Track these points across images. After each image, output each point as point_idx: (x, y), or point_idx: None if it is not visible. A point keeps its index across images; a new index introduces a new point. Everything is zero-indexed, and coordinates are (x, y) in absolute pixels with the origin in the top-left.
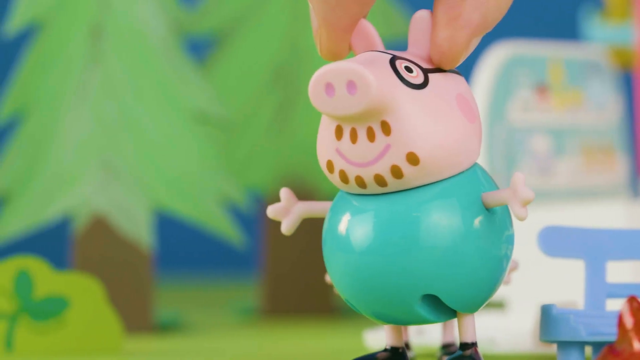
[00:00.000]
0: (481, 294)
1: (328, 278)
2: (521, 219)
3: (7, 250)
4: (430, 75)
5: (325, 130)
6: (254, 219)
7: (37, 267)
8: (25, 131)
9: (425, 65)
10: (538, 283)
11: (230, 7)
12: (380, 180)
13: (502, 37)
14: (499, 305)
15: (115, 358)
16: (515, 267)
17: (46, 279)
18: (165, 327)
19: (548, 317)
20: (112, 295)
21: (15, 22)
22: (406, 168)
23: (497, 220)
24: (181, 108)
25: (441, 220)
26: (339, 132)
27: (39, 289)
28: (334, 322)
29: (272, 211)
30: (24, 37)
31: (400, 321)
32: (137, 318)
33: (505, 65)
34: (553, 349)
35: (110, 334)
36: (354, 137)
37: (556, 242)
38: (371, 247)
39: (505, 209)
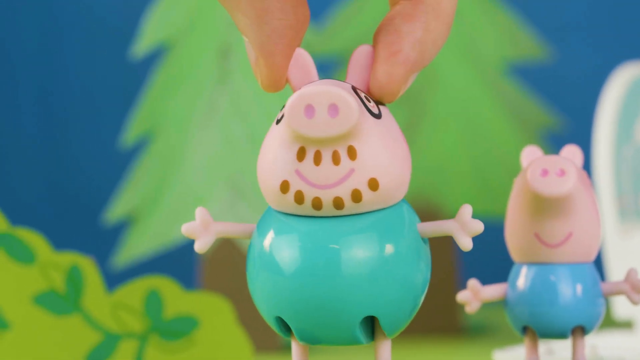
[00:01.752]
0: (400, 320)
1: (459, 297)
2: (467, 249)
3: (137, 270)
4: (381, 107)
5: (282, 151)
6: None
7: (167, 286)
8: (154, 152)
9: (372, 98)
10: None
11: (355, 29)
12: (338, 203)
13: (629, 58)
14: (628, 325)
15: None
16: None
17: (176, 298)
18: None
19: None
20: (241, 315)
21: (144, 44)
22: (366, 193)
23: (421, 248)
24: None
25: (362, 252)
26: (301, 154)
27: (168, 308)
28: (461, 342)
29: (186, 229)
30: (153, 59)
31: (325, 341)
32: (266, 338)
33: (633, 86)
34: None
35: (239, 354)
36: (317, 159)
37: None
38: (299, 270)
39: (424, 239)
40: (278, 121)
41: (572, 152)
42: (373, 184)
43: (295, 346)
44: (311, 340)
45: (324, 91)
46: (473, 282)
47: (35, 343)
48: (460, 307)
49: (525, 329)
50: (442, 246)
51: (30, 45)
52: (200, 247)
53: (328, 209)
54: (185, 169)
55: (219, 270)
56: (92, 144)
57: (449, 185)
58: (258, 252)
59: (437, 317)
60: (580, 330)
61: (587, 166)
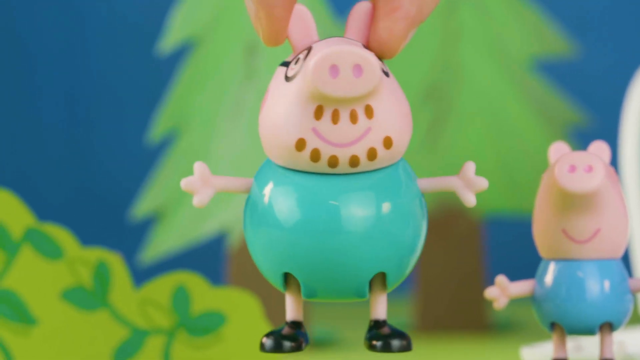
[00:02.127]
0: (402, 274)
1: (487, 293)
2: (472, 205)
3: (164, 266)
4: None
5: (297, 110)
6: None
7: (194, 282)
8: (180, 148)
9: None
10: None
11: None
12: (354, 161)
13: None
14: None
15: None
16: None
17: (203, 294)
18: (320, 344)
19: None
20: (268, 311)
21: (170, 40)
22: (381, 151)
23: (418, 205)
24: None
25: (371, 207)
26: (319, 112)
27: (196, 304)
28: (488, 338)
29: (185, 184)
30: (179, 55)
31: (330, 296)
32: None
33: None
34: None
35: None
36: (335, 118)
37: None
38: (308, 224)
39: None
40: (287, 78)
41: (599, 148)
42: (387, 142)
43: (289, 300)
44: (315, 295)
45: (348, 51)
46: (501, 279)
47: (62, 338)
48: (487, 303)
49: (553, 326)
50: (469, 243)
51: (56, 42)
52: (199, 201)
53: (344, 166)
54: (211, 165)
55: (246, 266)
56: (119, 140)
57: None
58: (259, 206)
59: (465, 314)
60: (608, 327)
61: (614, 162)
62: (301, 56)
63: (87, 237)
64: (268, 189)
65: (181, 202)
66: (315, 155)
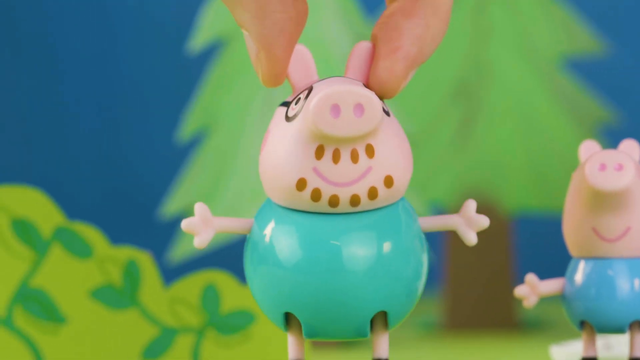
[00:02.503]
0: (404, 313)
1: (517, 291)
2: (473, 244)
3: (193, 264)
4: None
5: (299, 149)
6: (435, 234)
7: (223, 281)
8: (209, 147)
9: None
10: None
11: None
12: (355, 200)
13: None
14: None
15: None
16: None
17: (233, 293)
18: (350, 342)
19: None
20: None
21: (200, 39)
22: (382, 190)
23: (419, 245)
24: None
25: (371, 247)
26: (319, 152)
27: (225, 303)
28: (517, 336)
29: (186, 225)
30: (209, 54)
31: (332, 335)
32: None
33: None
34: None
35: None
36: (336, 157)
37: None
38: (308, 264)
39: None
40: (288, 118)
41: (630, 147)
42: (388, 181)
43: (291, 339)
44: (317, 335)
45: (349, 91)
46: (531, 277)
47: (92, 337)
48: (516, 301)
49: (582, 324)
50: (498, 241)
51: (86, 44)
52: (199, 242)
53: (345, 206)
54: (241, 164)
55: None
56: (149, 139)
57: (505, 180)
58: (260, 245)
59: (493, 312)
60: (638, 325)
61: None
62: (302, 96)
63: (116, 236)
64: (269, 229)
65: (210, 200)
66: (316, 195)
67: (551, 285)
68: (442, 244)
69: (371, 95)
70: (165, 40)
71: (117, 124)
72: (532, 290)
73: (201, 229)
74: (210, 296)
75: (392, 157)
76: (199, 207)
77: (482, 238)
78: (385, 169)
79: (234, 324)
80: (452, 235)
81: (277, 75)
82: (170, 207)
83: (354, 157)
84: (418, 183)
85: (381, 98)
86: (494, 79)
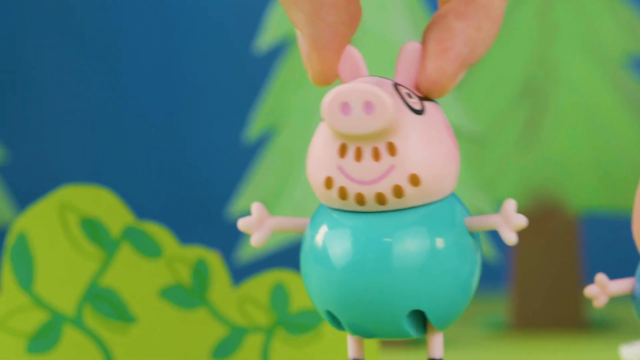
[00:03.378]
0: (449, 313)
1: (587, 291)
2: (512, 243)
3: (262, 263)
4: (425, 103)
5: (325, 148)
6: None
7: (292, 280)
8: (277, 146)
9: (417, 94)
10: None
11: None
12: (380, 199)
13: None
14: None
15: None
16: None
17: (302, 292)
18: (419, 341)
19: None
20: None
21: (268, 37)
22: (407, 188)
23: (471, 242)
24: None
25: (413, 245)
26: (342, 150)
27: (294, 302)
28: (586, 336)
29: (243, 224)
30: (277, 53)
31: (375, 334)
32: None
33: None
34: None
35: (366, 348)
36: (358, 155)
37: None
38: (350, 264)
39: (478, 233)
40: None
41: None
42: (414, 180)
43: (350, 338)
44: (361, 333)
45: (359, 88)
46: (601, 277)
47: (161, 337)
48: (585, 301)
49: None
50: (565, 240)
51: (151, 43)
52: (256, 241)
53: (371, 204)
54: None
55: None
56: (216, 138)
57: (571, 179)
58: (310, 246)
59: (562, 311)
60: None
61: None
62: None
63: (185, 236)
64: (320, 228)
65: (279, 199)
66: (342, 193)
67: (621, 285)
68: None
69: (380, 93)
70: (235, 38)
71: (185, 124)
72: (602, 290)
73: (257, 228)
74: (279, 295)
75: (418, 155)
76: (256, 207)
77: (548, 237)
78: (409, 167)
79: (304, 324)
80: (520, 234)
81: (327, 76)
82: (238, 206)
83: (376, 155)
84: (484, 182)
85: (429, 97)
86: (560, 78)
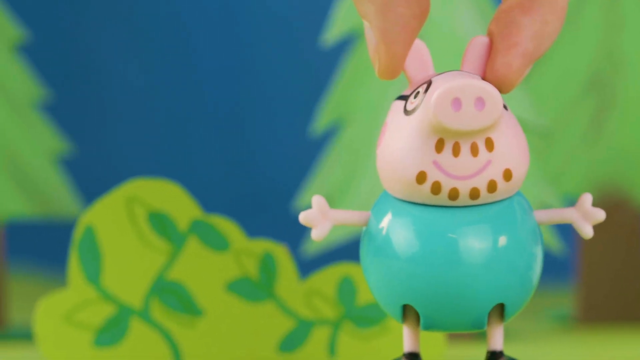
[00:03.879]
0: (521, 305)
1: None
2: (589, 237)
3: (329, 257)
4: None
5: (418, 143)
6: (569, 226)
7: (360, 273)
8: (344, 139)
9: None
10: None
11: None
12: (474, 194)
13: None
14: None
15: None
16: None
17: None
18: (480, 334)
19: None
20: None
21: (335, 31)
22: (501, 183)
23: (536, 237)
24: None
25: (489, 240)
26: (440, 145)
27: (361, 295)
28: None
29: (304, 217)
30: (344, 46)
31: (450, 327)
32: None
33: None
34: None
35: (433, 341)
36: (456, 151)
37: None
38: (429, 257)
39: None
40: (407, 112)
41: None
42: (507, 175)
43: (406, 332)
44: (434, 326)
45: (470, 85)
46: None
47: (228, 330)
48: None
49: None
50: (632, 233)
51: (218, 33)
52: (317, 235)
53: (464, 199)
54: (375, 158)
55: None
56: (283, 132)
57: (638, 172)
58: (378, 238)
59: (629, 305)
60: None
61: None
62: (420, 90)
63: (252, 229)
64: (386, 221)
65: (345, 193)
66: (436, 188)
67: None
68: (575, 235)
69: (492, 89)
70: (301, 31)
71: (251, 119)
72: None
73: (319, 221)
74: (346, 289)
75: (511, 151)
76: (317, 200)
77: (615, 229)
78: (504, 162)
79: (371, 317)
80: None
81: (394, 69)
82: (304, 200)
83: (474, 151)
84: (551, 175)
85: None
86: (627, 71)
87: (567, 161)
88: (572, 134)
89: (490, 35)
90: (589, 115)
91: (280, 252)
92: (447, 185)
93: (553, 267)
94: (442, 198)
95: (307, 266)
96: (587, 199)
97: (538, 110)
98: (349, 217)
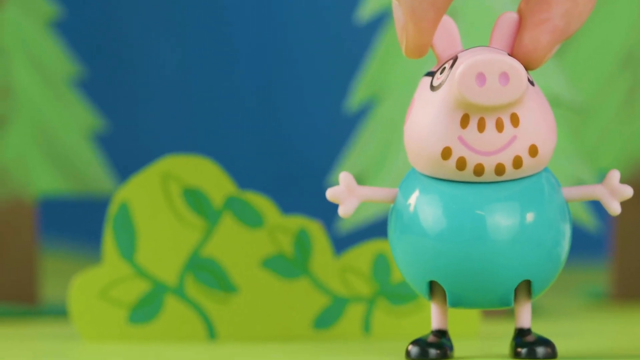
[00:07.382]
0: (548, 282)
1: None
2: (617, 213)
3: (363, 234)
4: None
5: (443, 118)
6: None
7: None
8: (379, 116)
9: None
10: None
11: None
12: (500, 169)
13: None
14: None
15: (473, 341)
16: None
17: None
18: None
19: None
20: None
21: (370, 7)
22: (526, 159)
23: (567, 212)
24: None
25: (516, 216)
26: (465, 121)
27: (396, 272)
28: None
29: (331, 194)
30: (379, 22)
31: (476, 304)
32: None
33: None
34: None
35: (467, 318)
36: (481, 126)
37: None
38: (456, 234)
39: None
40: (433, 87)
41: None
42: (533, 150)
43: (434, 310)
44: (461, 304)
45: (495, 59)
46: None
47: (262, 307)
48: None
49: None
50: None
51: (252, 10)
52: (344, 211)
53: (489, 174)
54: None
55: None
56: (317, 108)
57: None
58: (405, 214)
59: None
60: None
61: None
62: (447, 65)
63: (287, 206)
64: (414, 198)
65: (380, 169)
66: (461, 164)
67: None
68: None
69: (516, 64)
70: (336, 7)
71: (286, 95)
72: None
73: (346, 198)
74: (381, 265)
75: (537, 127)
76: (344, 176)
77: None
78: (529, 138)
79: (405, 294)
80: (622, 203)
81: (422, 46)
82: (338, 177)
83: (499, 126)
84: (586, 152)
85: (525, 69)
86: None
87: (602, 137)
88: (607, 110)
89: (520, 12)
90: (624, 91)
91: (315, 229)
92: (472, 160)
93: (587, 244)
94: (468, 174)
95: (342, 243)
96: (614, 175)
97: (573, 86)
98: (376, 194)
